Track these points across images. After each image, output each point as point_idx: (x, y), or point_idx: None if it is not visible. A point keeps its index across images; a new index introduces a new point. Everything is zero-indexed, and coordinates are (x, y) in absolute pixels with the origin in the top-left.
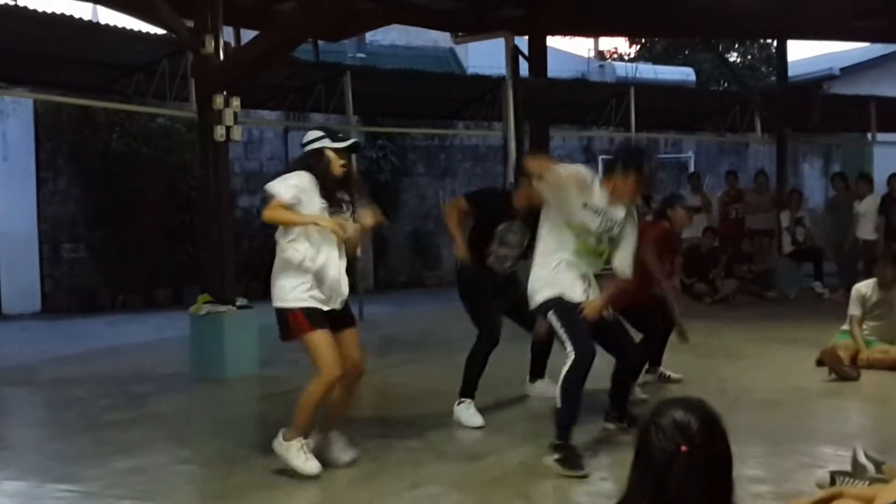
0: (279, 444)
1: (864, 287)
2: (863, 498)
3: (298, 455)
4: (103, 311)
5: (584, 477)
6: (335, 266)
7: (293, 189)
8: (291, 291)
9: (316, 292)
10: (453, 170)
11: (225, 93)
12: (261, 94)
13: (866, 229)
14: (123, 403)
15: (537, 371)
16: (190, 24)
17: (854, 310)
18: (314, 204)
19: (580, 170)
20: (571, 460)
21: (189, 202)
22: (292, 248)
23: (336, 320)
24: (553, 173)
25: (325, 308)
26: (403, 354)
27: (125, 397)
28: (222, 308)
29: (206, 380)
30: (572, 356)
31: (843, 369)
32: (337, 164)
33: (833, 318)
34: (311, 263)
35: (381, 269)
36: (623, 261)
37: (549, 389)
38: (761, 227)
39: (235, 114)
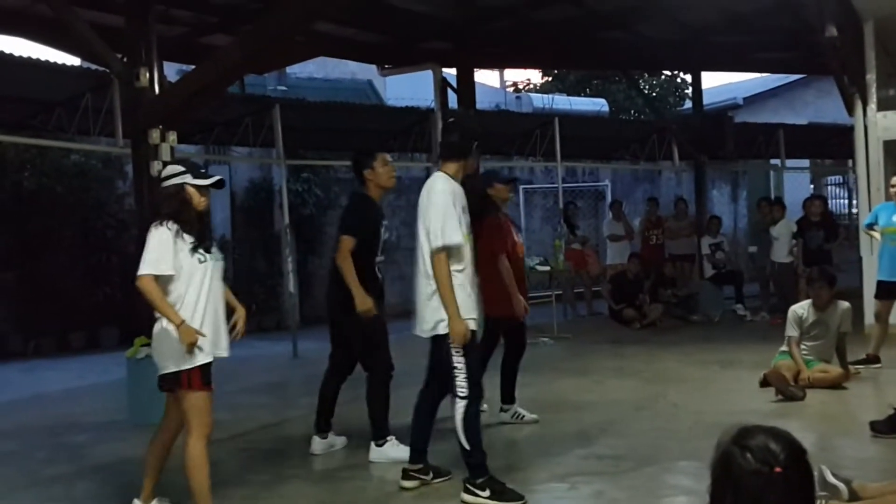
0: None
1: (801, 308)
2: None
3: None
4: (15, 357)
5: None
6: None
7: (164, 255)
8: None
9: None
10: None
11: (161, 127)
12: (185, 127)
13: (780, 253)
14: (62, 456)
15: (323, 424)
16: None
17: (791, 331)
18: (184, 251)
19: (452, 188)
20: (506, 493)
21: (105, 241)
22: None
23: None
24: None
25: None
26: (347, 392)
27: (62, 449)
28: None
29: (144, 427)
30: (465, 393)
31: (789, 390)
32: (198, 201)
33: (760, 340)
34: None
35: (306, 304)
36: None
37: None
38: (682, 252)
39: (172, 148)
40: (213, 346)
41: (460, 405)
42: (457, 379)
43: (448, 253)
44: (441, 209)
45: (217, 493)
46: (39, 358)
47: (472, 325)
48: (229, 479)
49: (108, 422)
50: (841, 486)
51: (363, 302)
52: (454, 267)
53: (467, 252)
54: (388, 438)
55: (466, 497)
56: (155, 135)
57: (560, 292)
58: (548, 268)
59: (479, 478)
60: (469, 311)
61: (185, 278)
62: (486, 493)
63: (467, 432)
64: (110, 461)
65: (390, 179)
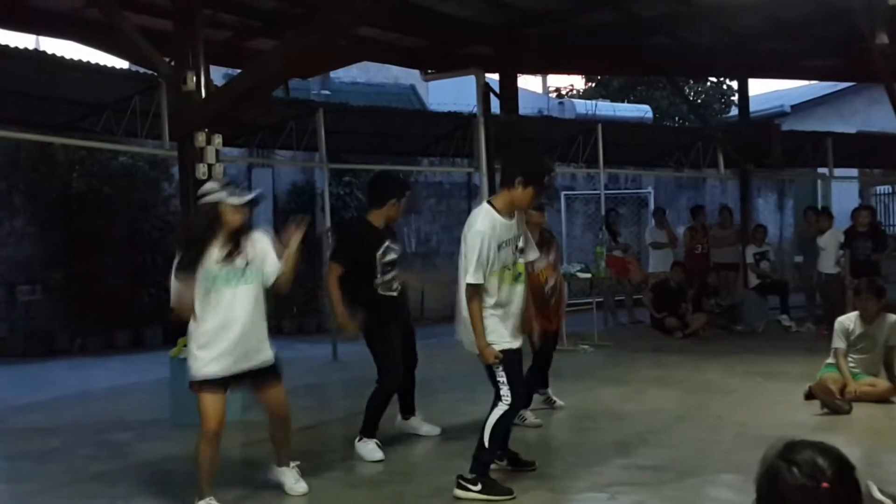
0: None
1: (847, 320)
2: None
3: None
4: (61, 354)
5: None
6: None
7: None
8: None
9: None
10: (418, 206)
11: (206, 130)
12: (230, 131)
13: (827, 263)
14: (106, 453)
15: (408, 407)
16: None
17: (838, 343)
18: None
19: (491, 224)
20: (496, 487)
21: (151, 241)
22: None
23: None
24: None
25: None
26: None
27: (106, 446)
28: None
29: (187, 426)
30: (508, 401)
31: (835, 403)
32: (232, 219)
33: (805, 351)
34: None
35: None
36: (532, 253)
37: (422, 426)
38: (726, 262)
39: (217, 151)
40: (234, 363)
41: (500, 408)
42: (501, 389)
43: (476, 288)
44: (469, 249)
45: (252, 493)
46: (85, 356)
47: (505, 346)
48: (263, 479)
49: (152, 420)
50: (888, 502)
51: (345, 323)
52: (485, 300)
53: (496, 285)
54: (364, 439)
55: (459, 493)
56: (201, 138)
57: (601, 300)
58: (589, 275)
59: (478, 475)
60: (498, 335)
61: (201, 298)
62: (478, 487)
63: (493, 433)
64: (153, 459)
65: (391, 220)
